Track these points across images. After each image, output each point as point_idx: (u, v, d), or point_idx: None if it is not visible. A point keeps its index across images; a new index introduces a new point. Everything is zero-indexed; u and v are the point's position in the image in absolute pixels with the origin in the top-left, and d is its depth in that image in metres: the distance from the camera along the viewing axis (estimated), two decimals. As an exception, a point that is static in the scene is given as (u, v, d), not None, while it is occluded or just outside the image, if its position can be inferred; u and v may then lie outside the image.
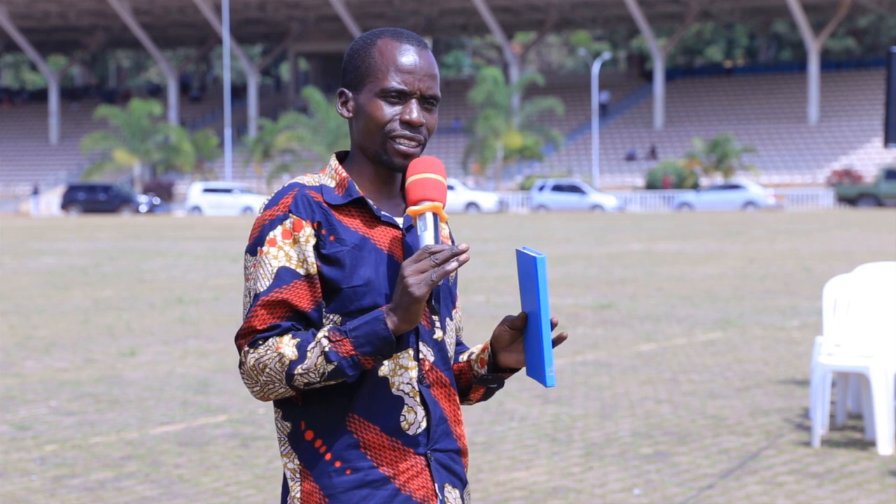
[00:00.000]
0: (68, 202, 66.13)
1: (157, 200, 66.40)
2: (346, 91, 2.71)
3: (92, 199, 65.71)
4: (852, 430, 8.55)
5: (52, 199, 71.44)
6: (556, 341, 2.63)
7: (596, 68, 76.29)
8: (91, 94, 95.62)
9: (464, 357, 2.81)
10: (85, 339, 13.78)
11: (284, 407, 2.66)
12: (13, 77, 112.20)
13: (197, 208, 63.67)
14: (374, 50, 2.67)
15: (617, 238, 34.62)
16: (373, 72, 2.66)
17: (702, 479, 7.20)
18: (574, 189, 61.03)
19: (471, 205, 60.95)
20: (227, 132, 73.74)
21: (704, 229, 38.97)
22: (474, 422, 8.83)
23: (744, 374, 10.94)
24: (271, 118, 78.80)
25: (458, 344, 2.86)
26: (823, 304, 8.21)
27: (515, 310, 11.95)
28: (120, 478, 7.33)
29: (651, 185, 65.45)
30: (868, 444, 8.08)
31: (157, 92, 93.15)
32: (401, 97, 2.65)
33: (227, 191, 63.75)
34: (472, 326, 14.52)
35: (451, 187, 61.45)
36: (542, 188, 61.80)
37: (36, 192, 73.16)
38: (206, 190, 64.27)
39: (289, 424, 2.66)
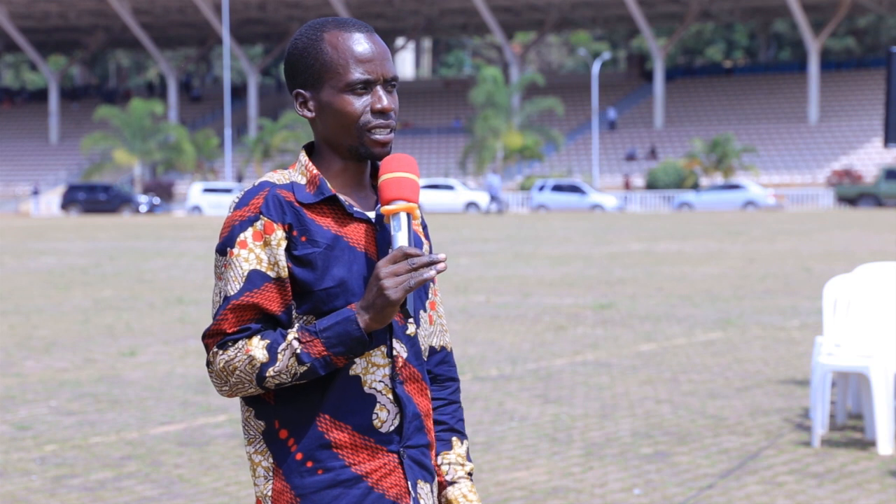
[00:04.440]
0: (68, 202, 66.14)
1: (157, 200, 66.40)
2: (304, 91, 2.64)
3: (92, 199, 65.72)
4: (852, 430, 8.54)
5: (52, 199, 71.45)
6: None
7: (596, 68, 76.29)
8: (91, 94, 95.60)
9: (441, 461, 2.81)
10: (85, 339, 13.77)
11: (256, 406, 2.64)
12: (13, 77, 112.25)
13: (197, 208, 63.66)
14: (325, 45, 2.60)
15: (617, 238, 34.61)
16: (331, 67, 2.59)
17: (702, 479, 7.20)
18: (574, 189, 61.02)
19: (471, 205, 60.94)
20: (228, 132, 73.74)
21: (704, 229, 38.96)
22: (474, 422, 8.83)
23: (744, 374, 10.94)
24: (271, 118, 78.80)
25: (441, 350, 2.81)
26: (823, 304, 8.21)
27: (514, 309, 11.82)
28: (120, 478, 7.33)
29: (651, 185, 65.46)
30: (868, 444, 8.08)
31: (157, 91, 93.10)
32: (366, 86, 2.60)
33: (227, 191, 63.72)
34: (471, 326, 14.53)
35: (450, 187, 61.65)
36: (542, 188, 61.80)
37: (36, 192, 73.15)
38: (206, 190, 64.27)
39: (262, 423, 2.63)
